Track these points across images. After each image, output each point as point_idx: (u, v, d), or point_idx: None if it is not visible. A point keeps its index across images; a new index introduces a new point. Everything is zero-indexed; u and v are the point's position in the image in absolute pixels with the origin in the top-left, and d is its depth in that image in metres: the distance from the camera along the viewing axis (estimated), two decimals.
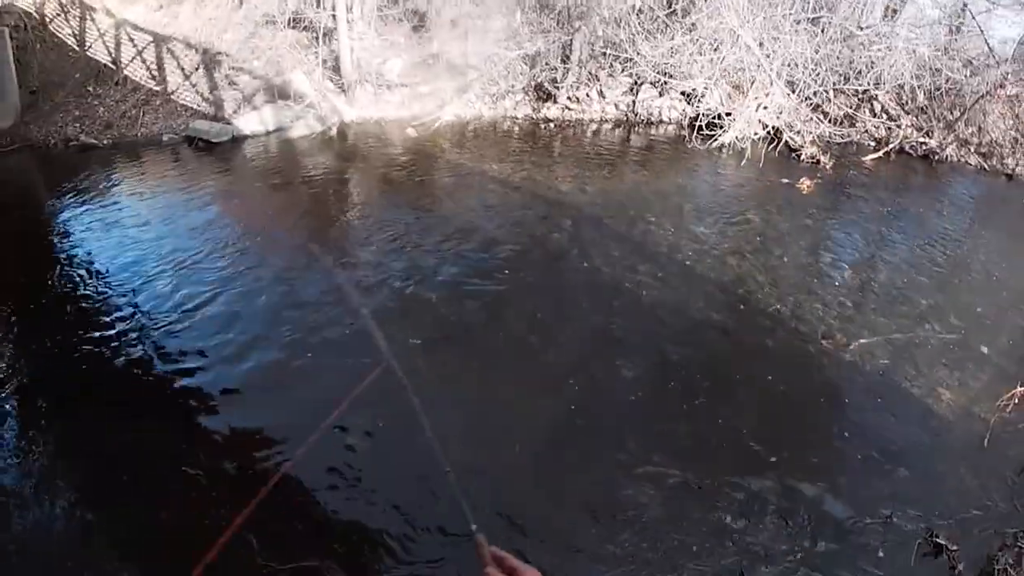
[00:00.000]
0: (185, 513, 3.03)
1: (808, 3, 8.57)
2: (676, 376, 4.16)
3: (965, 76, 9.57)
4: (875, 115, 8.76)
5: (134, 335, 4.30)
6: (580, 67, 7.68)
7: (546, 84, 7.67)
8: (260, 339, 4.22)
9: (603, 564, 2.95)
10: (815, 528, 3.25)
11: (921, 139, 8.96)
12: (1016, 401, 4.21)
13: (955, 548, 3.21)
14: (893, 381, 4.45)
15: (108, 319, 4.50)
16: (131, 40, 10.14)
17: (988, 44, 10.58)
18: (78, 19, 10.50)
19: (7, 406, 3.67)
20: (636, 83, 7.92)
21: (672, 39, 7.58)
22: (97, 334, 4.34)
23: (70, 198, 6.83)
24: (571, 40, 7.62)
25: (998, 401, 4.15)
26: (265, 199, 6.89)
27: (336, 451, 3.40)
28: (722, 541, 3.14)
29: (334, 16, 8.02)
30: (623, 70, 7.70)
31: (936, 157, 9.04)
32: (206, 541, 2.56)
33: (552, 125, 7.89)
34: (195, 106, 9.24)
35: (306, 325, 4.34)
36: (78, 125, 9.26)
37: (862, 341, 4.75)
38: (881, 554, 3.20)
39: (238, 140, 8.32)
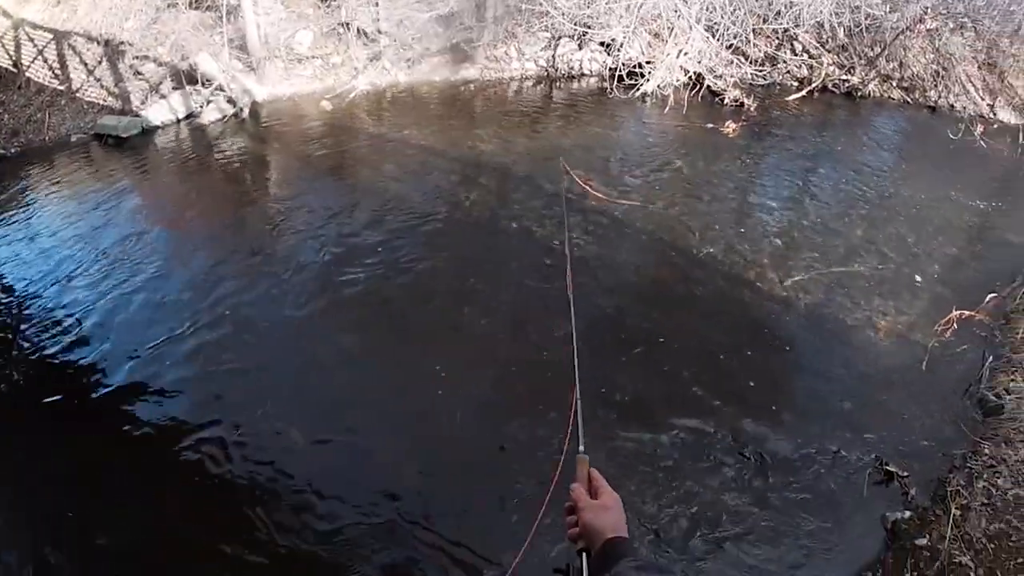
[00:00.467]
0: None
1: None
2: (612, 330, 4.12)
3: (885, 12, 9.73)
4: (796, 55, 8.83)
5: (53, 344, 4.05)
6: (496, 25, 7.49)
7: (462, 45, 7.46)
8: (183, 335, 4.01)
9: (554, 522, 2.87)
10: (765, 468, 3.25)
11: (843, 76, 9.09)
12: (954, 326, 4.29)
13: (906, 475, 3.26)
14: (829, 315, 4.49)
15: (26, 330, 4.21)
16: (31, 40, 9.51)
17: None
18: None
19: None
20: (554, 37, 7.76)
21: None
22: (14, 348, 4.07)
23: None
24: None
25: (935, 327, 4.24)
26: (180, 190, 6.55)
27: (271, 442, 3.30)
28: (673, 489, 3.10)
29: None
30: (540, 25, 7.55)
31: (859, 93, 9.19)
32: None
33: (472, 86, 7.69)
34: (102, 101, 8.72)
35: (232, 317, 4.14)
36: None
37: (795, 279, 4.78)
38: (833, 486, 3.22)
39: (148, 132, 7.89)
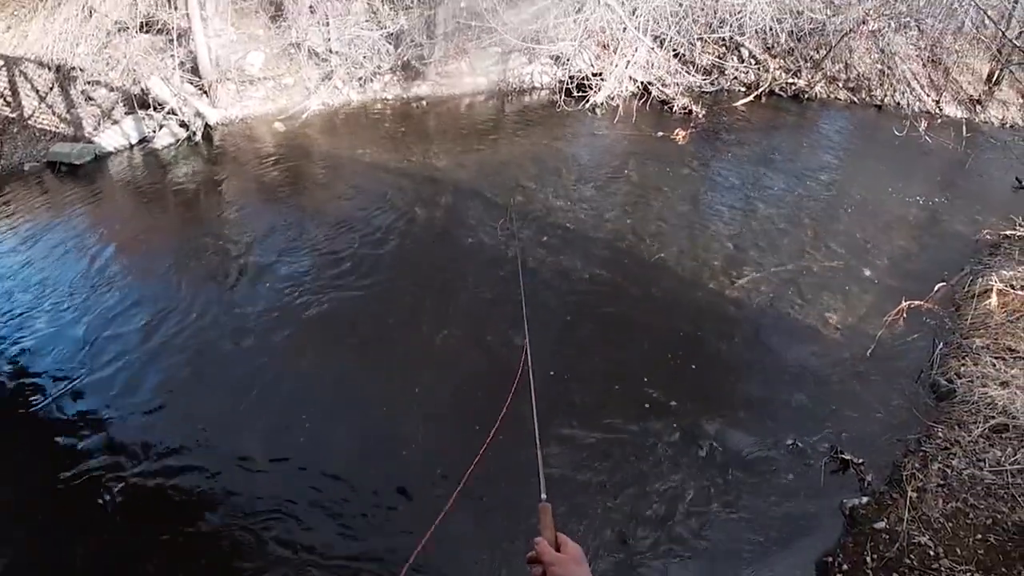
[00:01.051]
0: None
1: None
2: (568, 336, 4.22)
3: (827, 16, 10.10)
4: (743, 61, 9.12)
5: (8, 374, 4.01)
6: (446, 41, 7.61)
7: (413, 62, 7.56)
8: (142, 365, 4.00)
9: (516, 523, 2.93)
10: (723, 463, 3.35)
11: (790, 80, 9.40)
12: (903, 316, 4.45)
13: (861, 461, 3.37)
14: (781, 312, 4.64)
15: None
16: None
17: None
18: None
19: None
20: (504, 52, 7.92)
21: (534, 4, 7.61)
22: None
23: None
24: (434, 14, 7.53)
25: (885, 317, 4.37)
26: (134, 216, 6.52)
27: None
28: (634, 488, 3.18)
29: (187, 15, 7.63)
30: (490, 40, 7.69)
31: (806, 96, 9.51)
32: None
33: (424, 103, 7.79)
34: (54, 128, 8.61)
35: (188, 346, 4.15)
36: None
37: (747, 279, 4.95)
38: (791, 476, 3.33)
39: (101, 158, 7.82)
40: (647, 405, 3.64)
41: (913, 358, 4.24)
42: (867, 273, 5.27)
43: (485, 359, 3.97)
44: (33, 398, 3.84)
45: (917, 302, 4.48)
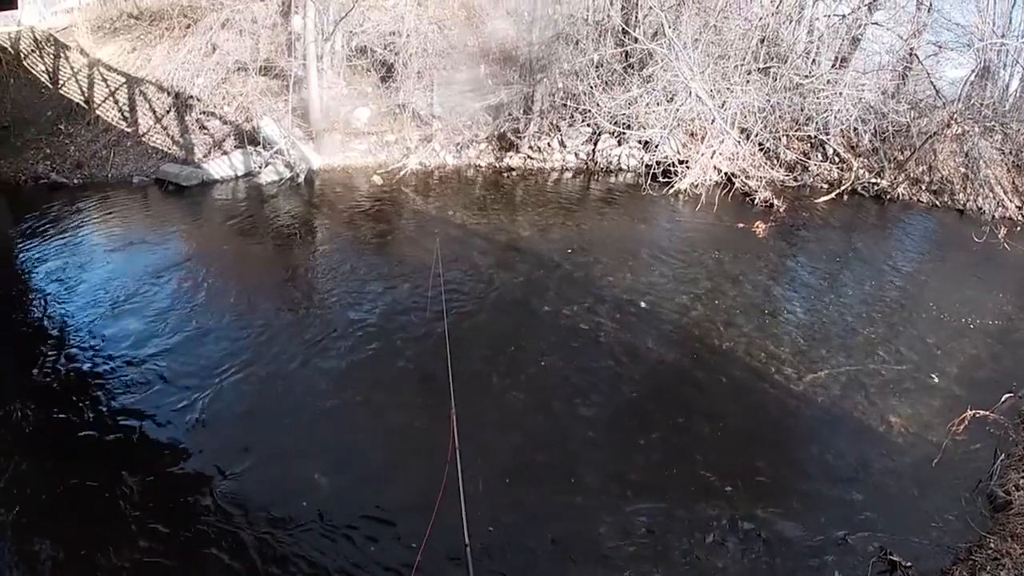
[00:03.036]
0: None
1: (759, 54, 9.02)
2: (632, 413, 4.33)
3: (911, 117, 10.08)
4: (827, 159, 9.17)
5: (86, 374, 4.40)
6: (542, 117, 7.98)
7: (509, 134, 7.93)
8: (214, 385, 4.29)
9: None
10: (773, 552, 3.39)
11: (872, 179, 9.37)
12: (966, 424, 4.37)
13: (909, 564, 3.36)
14: (846, 409, 4.64)
15: (62, 359, 4.59)
16: (104, 80, 10.28)
17: (935, 86, 11.18)
18: (52, 56, 10.63)
19: None
20: (595, 133, 8.23)
21: (629, 91, 7.91)
22: (50, 374, 4.42)
23: (37, 236, 6.96)
24: (533, 91, 7.93)
25: (949, 425, 4.32)
26: (231, 245, 7.01)
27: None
28: (683, 569, 3.25)
29: (304, 65, 8.24)
30: (583, 120, 8.00)
31: (888, 196, 9.45)
32: None
33: (514, 173, 8.15)
34: (166, 149, 9.36)
35: (262, 364, 4.46)
36: (48, 163, 9.34)
37: (814, 375, 4.96)
38: (837, 573, 3.33)
39: (207, 184, 8.43)
40: (703, 487, 3.70)
41: (973, 467, 4.19)
42: (935, 379, 5.19)
43: (548, 424, 4.11)
44: (101, 391, 4.18)
45: (982, 412, 4.41)
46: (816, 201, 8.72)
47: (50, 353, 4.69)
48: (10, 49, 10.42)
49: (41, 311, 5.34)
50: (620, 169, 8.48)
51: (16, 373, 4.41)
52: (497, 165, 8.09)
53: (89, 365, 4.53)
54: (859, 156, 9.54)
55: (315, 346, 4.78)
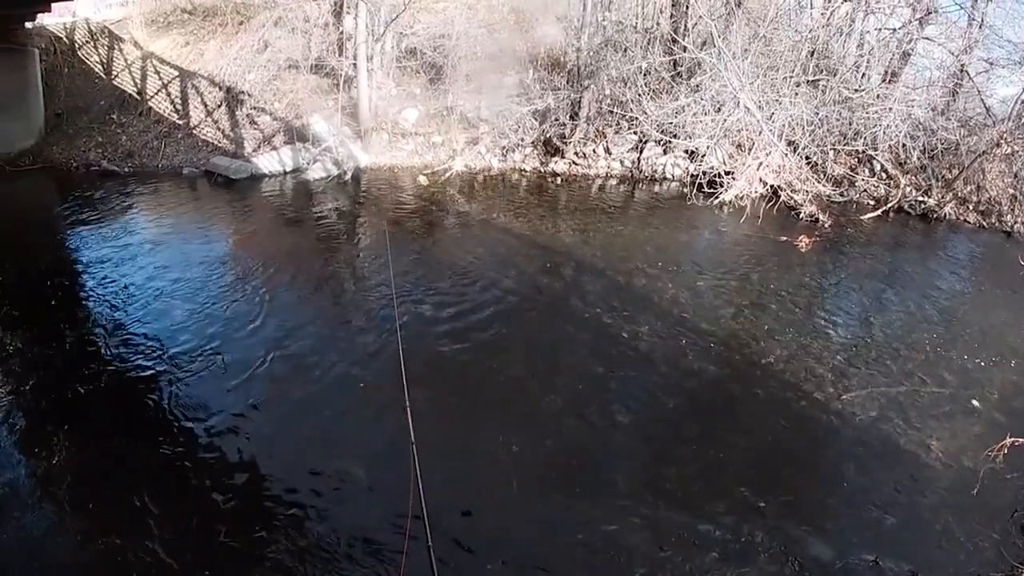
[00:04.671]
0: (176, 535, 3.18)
1: (808, 67, 8.91)
2: (669, 423, 4.33)
3: (960, 135, 9.84)
4: (874, 174, 9.01)
5: (132, 357, 4.55)
6: (588, 124, 8.00)
7: (555, 139, 7.98)
8: (251, 364, 4.40)
9: None
10: (804, 570, 3.35)
11: (920, 198, 9.18)
12: (1005, 452, 4.23)
13: None
14: (884, 431, 4.56)
15: (109, 341, 4.77)
16: (157, 73, 10.62)
17: (985, 104, 10.89)
18: (106, 48, 11.02)
19: (14, 420, 3.86)
20: (641, 141, 8.22)
21: (677, 100, 7.89)
22: (96, 354, 4.59)
23: (88, 220, 7.24)
24: (580, 98, 7.97)
25: (986, 452, 4.19)
26: (278, 237, 7.19)
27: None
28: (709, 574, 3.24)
29: (355, 65, 8.41)
30: (629, 128, 8.01)
31: (935, 215, 9.24)
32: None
33: (559, 179, 8.20)
34: (216, 142, 9.62)
35: (301, 356, 4.53)
36: (100, 151, 9.68)
37: (853, 394, 4.88)
38: None
39: (256, 178, 8.65)
40: (735, 501, 3.68)
41: (1009, 496, 4.08)
42: (975, 404, 5.05)
43: (584, 429, 4.12)
44: (146, 374, 4.30)
45: (1021, 440, 4.28)
46: (862, 217, 8.58)
47: (92, 332, 4.89)
48: (65, 39, 10.82)
49: (88, 292, 5.56)
50: (665, 178, 8.47)
51: (58, 352, 4.58)
52: (542, 170, 8.15)
53: (127, 344, 4.70)
54: (906, 173, 9.35)
55: (355, 339, 4.87)
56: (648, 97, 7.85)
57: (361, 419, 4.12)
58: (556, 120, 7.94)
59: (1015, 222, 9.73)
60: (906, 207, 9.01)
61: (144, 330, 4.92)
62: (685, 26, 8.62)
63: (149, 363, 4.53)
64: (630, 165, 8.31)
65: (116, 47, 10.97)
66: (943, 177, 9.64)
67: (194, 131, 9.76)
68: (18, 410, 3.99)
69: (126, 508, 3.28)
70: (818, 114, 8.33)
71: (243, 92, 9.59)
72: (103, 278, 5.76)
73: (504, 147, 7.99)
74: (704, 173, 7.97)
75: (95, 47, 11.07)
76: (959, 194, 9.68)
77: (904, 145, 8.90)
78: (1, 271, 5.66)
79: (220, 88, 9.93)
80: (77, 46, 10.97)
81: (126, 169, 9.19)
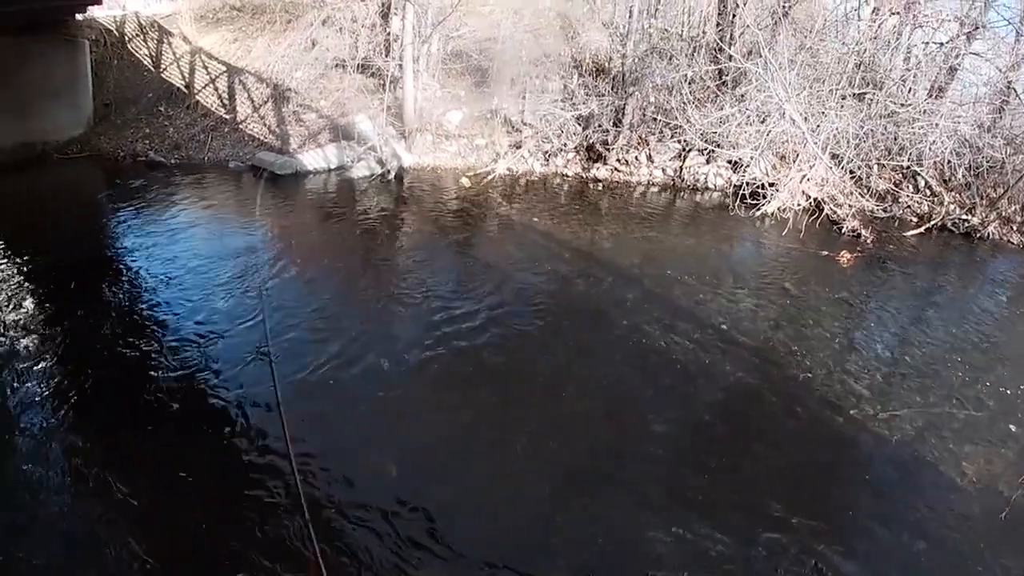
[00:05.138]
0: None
1: (855, 79, 8.82)
2: (703, 434, 4.35)
3: (1006, 154, 9.64)
4: (918, 191, 8.89)
5: (172, 343, 4.74)
6: (631, 131, 8.04)
7: (597, 145, 8.03)
8: (288, 356, 4.52)
9: None
10: None
11: (963, 216, 9.03)
12: None
13: None
14: (919, 453, 4.55)
15: (150, 327, 4.95)
16: (205, 67, 10.90)
17: None
18: (155, 41, 11.33)
19: (46, 404, 4.01)
20: (684, 149, 8.23)
21: (721, 109, 7.89)
22: (137, 341, 4.75)
23: (134, 208, 7.50)
24: (624, 104, 8.00)
25: (1021, 478, 4.19)
26: (319, 231, 7.38)
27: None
28: None
29: (401, 66, 8.56)
30: (672, 136, 8.03)
31: (978, 235, 9.08)
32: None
33: (600, 185, 8.25)
34: (262, 137, 9.86)
35: (340, 354, 4.61)
36: (147, 142, 9.98)
37: (890, 413, 4.86)
38: None
39: (300, 174, 8.85)
40: (766, 516, 3.69)
41: None
42: (1012, 430, 4.97)
43: (618, 434, 4.18)
44: (188, 366, 4.44)
45: None
46: (904, 234, 8.47)
47: (133, 316, 5.09)
48: (115, 32, 11.17)
49: (132, 275, 5.80)
50: (707, 188, 8.47)
51: (99, 336, 4.77)
52: (584, 175, 8.21)
53: (166, 330, 4.89)
54: (951, 191, 9.21)
55: (401, 336, 4.98)
56: (693, 105, 7.86)
57: (399, 414, 4.19)
58: (599, 126, 8.00)
59: None
60: (949, 225, 8.86)
61: (184, 312, 5.12)
62: (731, 35, 8.60)
63: (188, 343, 4.70)
64: (672, 174, 8.33)
65: (165, 41, 11.28)
66: (987, 196, 9.46)
67: (240, 126, 10.00)
68: (66, 386, 4.17)
69: (169, 485, 3.43)
70: (863, 127, 8.25)
71: (290, 89, 9.81)
72: (147, 261, 6.03)
73: (547, 151, 8.07)
74: (747, 184, 7.95)
75: (144, 40, 11.39)
76: (1003, 214, 9.48)
77: (949, 162, 8.77)
78: (51, 253, 5.90)
79: (267, 85, 10.16)
80: (127, 39, 11.30)
81: (172, 160, 9.45)
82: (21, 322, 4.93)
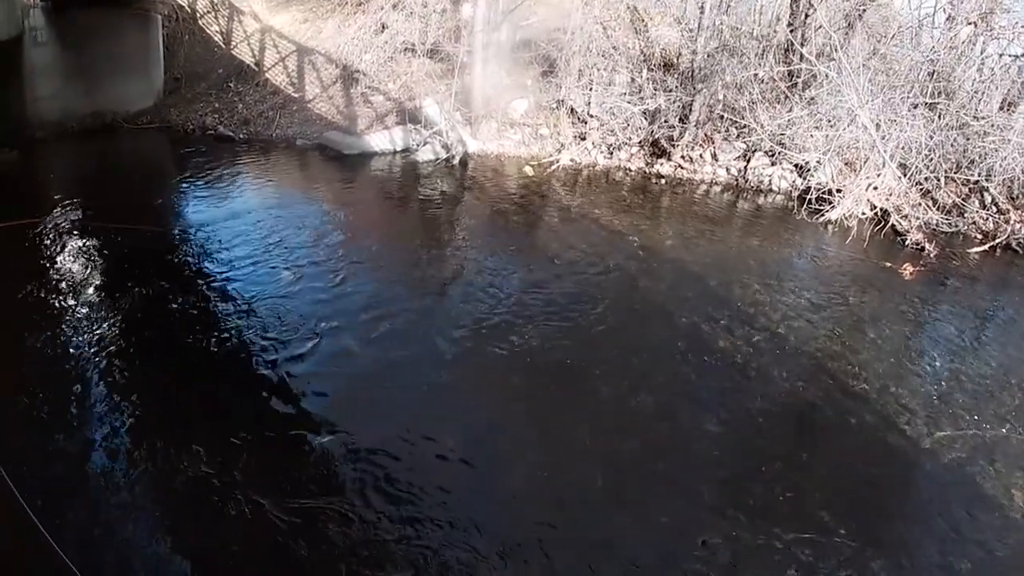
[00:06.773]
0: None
1: (927, 88, 8.65)
2: (758, 438, 4.40)
3: None
4: (984, 207, 8.70)
5: (236, 314, 4.98)
6: (697, 128, 8.06)
7: (662, 141, 8.08)
8: (343, 333, 4.72)
9: None
10: None
11: None
12: None
13: None
14: (969, 475, 4.53)
15: (213, 300, 5.21)
16: (275, 46, 11.26)
17: None
18: (226, 19, 11.74)
19: (114, 374, 4.24)
20: (750, 150, 8.22)
21: (790, 111, 7.85)
22: (202, 307, 5.05)
23: (203, 178, 7.86)
24: (692, 101, 8.02)
25: None
26: (381, 211, 7.63)
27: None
28: None
29: (470, 52, 8.73)
30: (739, 135, 8.02)
31: None
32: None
33: (663, 181, 8.30)
34: (329, 117, 10.17)
35: (395, 334, 4.80)
36: (216, 116, 10.39)
37: (944, 433, 4.85)
38: None
39: (366, 155, 9.13)
40: (816, 524, 3.73)
41: None
42: None
43: (672, 435, 4.25)
44: (241, 331, 4.66)
45: None
46: (968, 251, 8.33)
47: (197, 285, 5.36)
48: (187, 8, 11.61)
49: (195, 246, 6.09)
50: (770, 190, 8.43)
51: (159, 304, 5.06)
52: (647, 171, 8.28)
53: (227, 300, 5.14)
54: (1018, 208, 8.98)
55: (462, 320, 5.10)
56: (762, 106, 7.84)
57: (454, 399, 4.33)
58: (665, 122, 8.04)
59: None
60: (1014, 244, 8.66)
61: (249, 283, 5.39)
62: (803, 36, 8.52)
63: (255, 314, 4.95)
64: (736, 173, 8.32)
65: (236, 19, 11.67)
66: None
67: (308, 105, 10.34)
68: (132, 354, 4.42)
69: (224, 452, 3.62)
70: (932, 138, 8.11)
71: (358, 71, 10.08)
72: (214, 231, 6.32)
73: (611, 144, 8.16)
74: (812, 189, 7.92)
75: (215, 17, 11.81)
76: None
77: (1019, 179, 8.55)
78: (125, 220, 6.15)
79: (336, 65, 10.46)
80: (198, 15, 11.73)
81: (241, 135, 9.84)
82: (96, 285, 5.28)
